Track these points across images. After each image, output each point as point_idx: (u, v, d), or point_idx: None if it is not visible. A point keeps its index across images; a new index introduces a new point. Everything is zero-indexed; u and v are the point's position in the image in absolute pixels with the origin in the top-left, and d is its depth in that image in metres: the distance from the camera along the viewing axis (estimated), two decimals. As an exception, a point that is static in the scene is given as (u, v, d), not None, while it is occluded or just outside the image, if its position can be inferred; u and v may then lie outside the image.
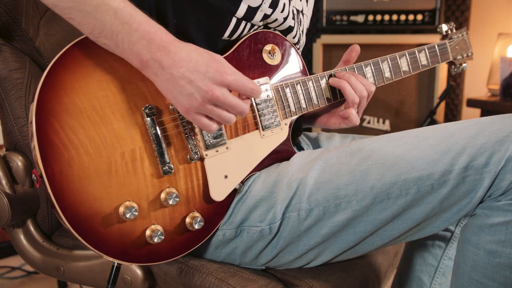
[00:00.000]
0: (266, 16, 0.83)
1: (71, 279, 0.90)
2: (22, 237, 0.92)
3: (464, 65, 1.16)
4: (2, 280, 1.86)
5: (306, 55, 2.37)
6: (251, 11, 0.81)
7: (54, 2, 0.63)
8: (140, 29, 0.65)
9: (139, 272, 0.81)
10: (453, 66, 1.16)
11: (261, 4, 0.81)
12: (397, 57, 0.99)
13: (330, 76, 0.91)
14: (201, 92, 0.66)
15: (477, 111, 1.95)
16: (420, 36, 2.00)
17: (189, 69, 0.66)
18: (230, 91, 0.69)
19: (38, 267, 0.92)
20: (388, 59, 0.98)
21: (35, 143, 0.63)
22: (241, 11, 0.80)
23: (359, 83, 0.89)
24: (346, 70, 0.93)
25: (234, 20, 0.80)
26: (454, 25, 1.13)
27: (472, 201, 0.71)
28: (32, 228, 0.92)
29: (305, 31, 0.99)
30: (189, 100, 0.67)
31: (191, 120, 0.71)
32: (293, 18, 0.89)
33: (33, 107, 0.64)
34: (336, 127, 0.96)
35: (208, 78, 0.67)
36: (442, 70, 2.02)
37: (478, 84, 2.21)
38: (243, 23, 0.82)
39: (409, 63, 1.01)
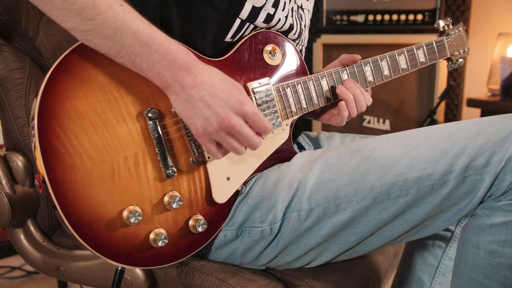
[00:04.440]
0: (269, 16, 0.83)
1: (71, 279, 0.90)
2: (22, 237, 0.91)
3: (460, 60, 1.16)
4: (2, 280, 1.86)
5: (306, 55, 2.36)
6: (255, 11, 0.81)
7: (73, 25, 0.63)
8: (160, 50, 0.66)
9: (139, 272, 0.81)
10: (449, 62, 1.16)
11: (264, 3, 0.81)
12: (396, 54, 0.99)
13: (331, 76, 0.91)
14: (218, 118, 0.67)
15: (477, 111, 1.95)
16: (420, 36, 2.00)
17: (210, 93, 0.67)
18: (246, 122, 0.70)
19: (38, 267, 0.92)
20: (387, 57, 0.98)
21: (37, 146, 0.63)
22: (246, 11, 0.80)
23: (363, 99, 0.91)
24: (346, 70, 0.93)
25: (238, 22, 0.81)
26: (451, 20, 1.13)
27: (473, 201, 0.72)
28: (32, 228, 0.92)
29: (307, 26, 0.99)
30: (204, 124, 0.68)
31: (201, 143, 0.71)
32: (292, 16, 0.89)
33: (35, 110, 0.63)
34: (323, 121, 0.98)
35: (228, 106, 0.67)
36: (442, 70, 2.02)
37: (478, 84, 2.21)
38: (246, 24, 0.82)
39: (408, 61, 1.01)
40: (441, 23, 1.12)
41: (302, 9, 0.95)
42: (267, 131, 0.71)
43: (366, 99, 0.91)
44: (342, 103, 0.90)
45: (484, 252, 0.72)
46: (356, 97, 0.90)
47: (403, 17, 2.04)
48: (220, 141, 0.70)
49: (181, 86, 0.67)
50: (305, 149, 1.01)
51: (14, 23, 0.88)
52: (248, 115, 0.69)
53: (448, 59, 1.15)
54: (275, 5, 0.83)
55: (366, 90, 0.94)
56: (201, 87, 0.67)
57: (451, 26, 1.13)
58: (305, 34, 0.97)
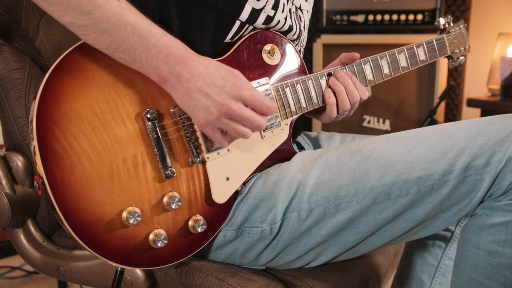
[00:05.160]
0: (269, 18, 0.83)
1: (71, 279, 0.90)
2: (22, 237, 0.92)
3: (461, 58, 1.15)
4: (2, 280, 1.86)
5: (306, 55, 2.37)
6: (255, 13, 0.81)
7: (70, 20, 0.63)
8: (157, 44, 0.66)
9: (139, 272, 0.81)
10: (450, 60, 1.16)
11: (264, 6, 0.81)
12: (396, 53, 0.99)
13: (329, 74, 0.91)
14: (217, 106, 0.67)
15: (477, 111, 1.95)
16: (420, 36, 2.00)
17: (206, 82, 0.67)
18: (247, 106, 0.70)
19: (38, 267, 0.92)
20: (387, 55, 0.98)
21: (36, 148, 0.63)
22: (245, 13, 0.80)
23: (355, 89, 0.90)
24: (346, 68, 0.93)
25: (237, 23, 0.81)
26: (452, 18, 1.13)
27: (473, 201, 0.71)
28: (32, 228, 0.92)
29: (307, 26, 0.99)
30: (205, 114, 0.68)
31: (206, 133, 0.72)
32: (291, 17, 0.89)
33: (34, 113, 0.63)
34: (323, 120, 0.97)
35: (225, 92, 0.67)
36: (442, 70, 2.02)
37: (478, 84, 2.21)
38: (246, 26, 0.82)
39: (408, 59, 1.01)
40: (442, 20, 1.12)
41: (301, 10, 0.95)
42: (271, 110, 0.71)
43: (360, 92, 0.90)
44: (328, 89, 0.89)
45: (484, 252, 0.72)
46: (347, 87, 0.89)
47: (403, 17, 2.04)
48: (224, 128, 0.70)
49: (178, 80, 0.67)
50: (305, 149, 1.01)
51: (14, 23, 0.88)
52: (246, 99, 0.69)
53: (449, 57, 1.15)
54: (275, 7, 0.83)
55: (366, 89, 0.94)
56: (198, 78, 0.67)
57: (451, 24, 1.13)
58: (304, 35, 0.97)
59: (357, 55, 0.93)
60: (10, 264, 1.94)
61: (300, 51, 0.96)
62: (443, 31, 1.12)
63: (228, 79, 0.68)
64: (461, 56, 1.15)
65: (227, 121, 0.69)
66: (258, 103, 0.70)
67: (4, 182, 0.85)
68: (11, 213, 0.83)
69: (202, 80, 0.67)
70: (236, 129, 0.70)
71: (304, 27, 0.96)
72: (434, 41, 1.07)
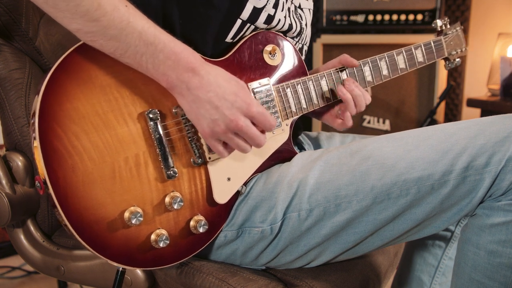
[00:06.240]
0: (269, 17, 0.83)
1: (71, 279, 0.90)
2: (22, 237, 0.91)
3: (457, 60, 1.16)
4: (2, 280, 1.86)
5: (306, 55, 2.36)
6: (256, 12, 0.81)
7: (78, 26, 0.63)
8: (165, 50, 0.66)
9: (139, 272, 0.81)
10: (447, 61, 1.16)
11: (265, 4, 0.81)
12: (394, 54, 1.00)
13: (330, 76, 0.91)
14: (226, 120, 0.68)
15: (477, 111, 1.95)
16: (420, 36, 2.00)
17: (217, 95, 0.67)
18: (253, 123, 0.71)
19: (38, 267, 0.92)
20: (386, 57, 0.98)
21: (38, 147, 0.63)
22: (247, 12, 0.80)
23: (363, 99, 0.90)
24: (346, 70, 0.93)
25: (238, 22, 0.81)
26: (448, 20, 1.14)
27: (473, 201, 0.72)
28: (32, 228, 0.92)
29: (309, 24, 0.99)
30: (211, 125, 0.68)
31: (208, 144, 0.72)
32: (290, 15, 0.89)
33: (37, 108, 0.63)
34: (327, 123, 0.98)
35: (235, 108, 0.68)
36: (442, 70, 2.02)
37: (478, 84, 2.21)
38: (247, 25, 0.82)
39: (406, 60, 1.01)
40: (439, 22, 1.12)
41: (301, 9, 0.95)
42: (273, 128, 0.73)
43: (365, 99, 0.91)
44: (348, 115, 0.91)
45: (484, 252, 0.72)
46: (356, 99, 0.90)
47: (403, 17, 2.04)
48: (227, 141, 0.71)
49: (187, 87, 0.67)
50: (305, 149, 1.01)
51: (14, 23, 0.88)
52: (255, 117, 0.70)
53: (446, 59, 1.15)
54: (275, 5, 0.83)
55: (366, 90, 0.94)
56: (208, 88, 0.67)
57: (448, 26, 1.13)
58: (306, 33, 0.97)
59: (356, 63, 0.93)
60: (10, 264, 1.93)
61: (302, 49, 0.97)
62: (440, 33, 1.13)
63: (239, 94, 0.69)
64: (458, 58, 1.16)
65: (232, 136, 0.70)
66: (263, 121, 0.71)
67: (4, 182, 0.85)
68: (11, 213, 0.83)
69: (212, 91, 0.67)
70: (239, 144, 0.71)
71: (306, 25, 0.96)
72: (432, 43, 1.07)
